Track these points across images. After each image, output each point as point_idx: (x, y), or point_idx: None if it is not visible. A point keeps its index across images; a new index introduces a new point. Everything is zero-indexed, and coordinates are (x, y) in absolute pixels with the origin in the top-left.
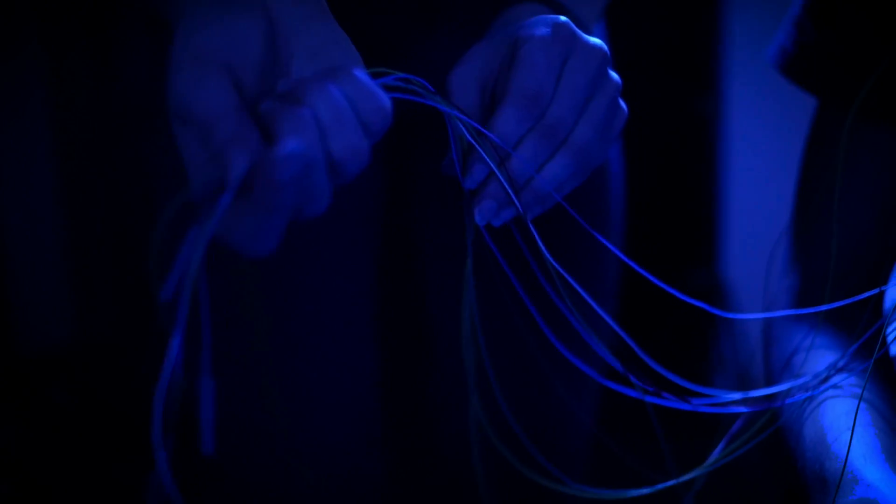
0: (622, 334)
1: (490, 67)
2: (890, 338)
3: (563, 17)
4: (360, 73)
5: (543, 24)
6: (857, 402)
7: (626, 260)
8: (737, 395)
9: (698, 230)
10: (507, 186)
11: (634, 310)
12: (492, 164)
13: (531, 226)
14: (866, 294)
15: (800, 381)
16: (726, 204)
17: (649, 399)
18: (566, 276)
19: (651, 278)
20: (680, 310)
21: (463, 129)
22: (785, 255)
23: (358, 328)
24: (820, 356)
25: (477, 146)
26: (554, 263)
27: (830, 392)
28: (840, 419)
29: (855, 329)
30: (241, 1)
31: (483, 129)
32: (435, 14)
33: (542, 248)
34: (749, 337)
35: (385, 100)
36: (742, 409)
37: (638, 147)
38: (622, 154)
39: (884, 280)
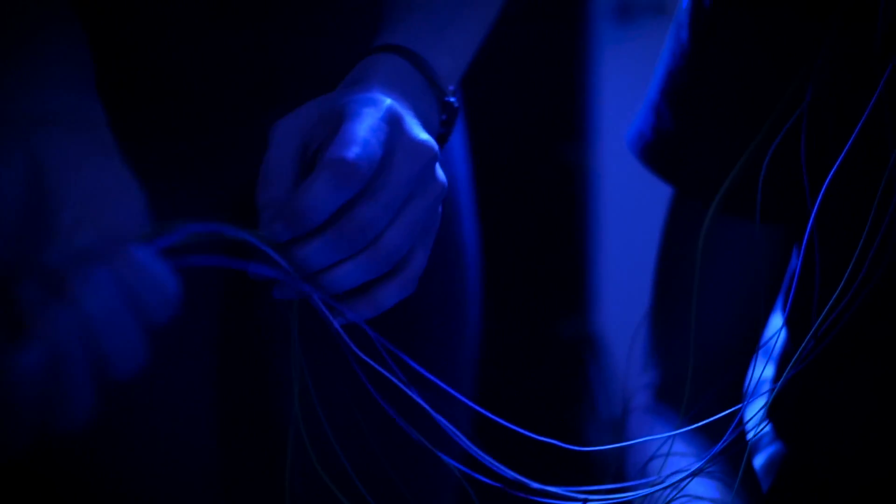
0: (473, 449)
1: (317, 128)
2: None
3: (395, 108)
4: (140, 251)
5: (374, 104)
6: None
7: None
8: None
9: (569, 280)
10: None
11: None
12: (290, 272)
13: (340, 331)
14: (725, 412)
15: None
16: (597, 253)
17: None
18: (418, 368)
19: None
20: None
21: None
22: (644, 347)
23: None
24: (678, 462)
25: (279, 259)
26: (401, 355)
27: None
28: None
29: (716, 434)
30: None
31: (280, 260)
32: (282, 72)
33: (380, 342)
34: (621, 382)
35: (169, 282)
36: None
37: (507, 194)
38: (477, 214)
39: (743, 377)
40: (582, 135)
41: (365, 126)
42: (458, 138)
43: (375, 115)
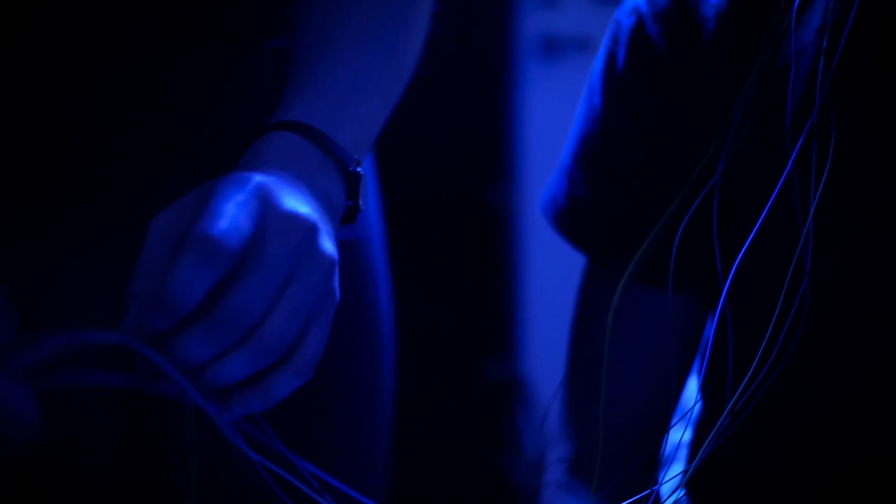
0: None
1: (193, 215)
2: None
3: (265, 183)
4: None
5: (243, 181)
6: None
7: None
8: None
9: (495, 322)
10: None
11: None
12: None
13: (228, 430)
14: (638, 496)
15: None
16: (523, 294)
17: None
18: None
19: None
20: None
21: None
22: (558, 418)
23: None
24: None
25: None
26: (295, 460)
27: None
28: None
29: None
30: None
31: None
32: (176, 152)
33: (271, 441)
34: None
35: (27, 410)
36: None
37: (432, 235)
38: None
39: (657, 452)
40: (508, 175)
41: (231, 202)
42: (370, 195)
43: (243, 190)
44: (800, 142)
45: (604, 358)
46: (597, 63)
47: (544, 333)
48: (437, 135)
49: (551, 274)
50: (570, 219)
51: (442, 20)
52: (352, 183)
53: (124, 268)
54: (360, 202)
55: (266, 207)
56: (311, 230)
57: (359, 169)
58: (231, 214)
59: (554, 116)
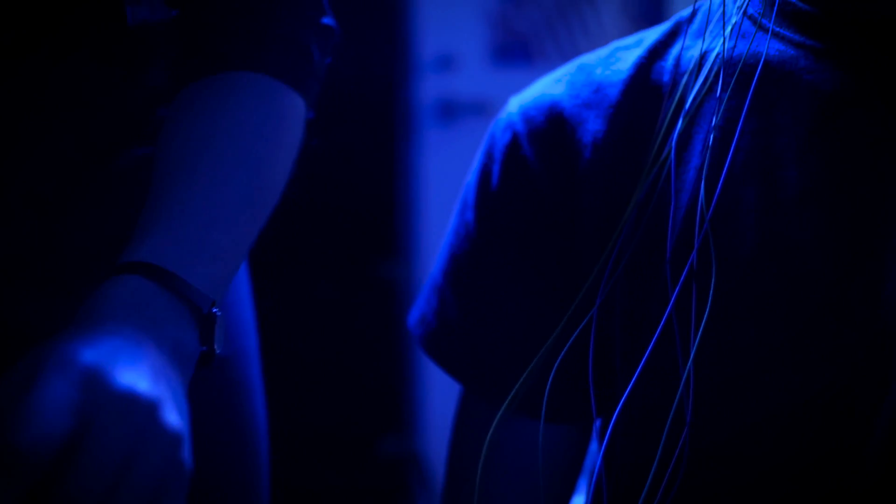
0: None
1: (10, 403)
2: None
3: (94, 362)
4: None
5: (66, 363)
6: None
7: None
8: None
9: (392, 398)
10: None
11: None
12: None
13: None
14: None
15: None
16: (419, 369)
17: None
18: None
19: None
20: None
21: None
22: None
23: None
24: None
25: None
26: None
27: None
28: None
29: None
30: None
31: None
32: (36, 262)
33: None
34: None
35: None
36: None
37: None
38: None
39: None
40: (403, 247)
41: (50, 396)
42: (244, 298)
43: (66, 377)
44: (679, 283)
45: (476, 487)
46: (471, 177)
47: (441, 410)
48: (329, 206)
49: None
50: (439, 342)
51: (336, 84)
52: (206, 327)
53: None
54: (217, 346)
55: (96, 392)
56: (150, 408)
57: (214, 309)
58: (48, 414)
59: (451, 181)
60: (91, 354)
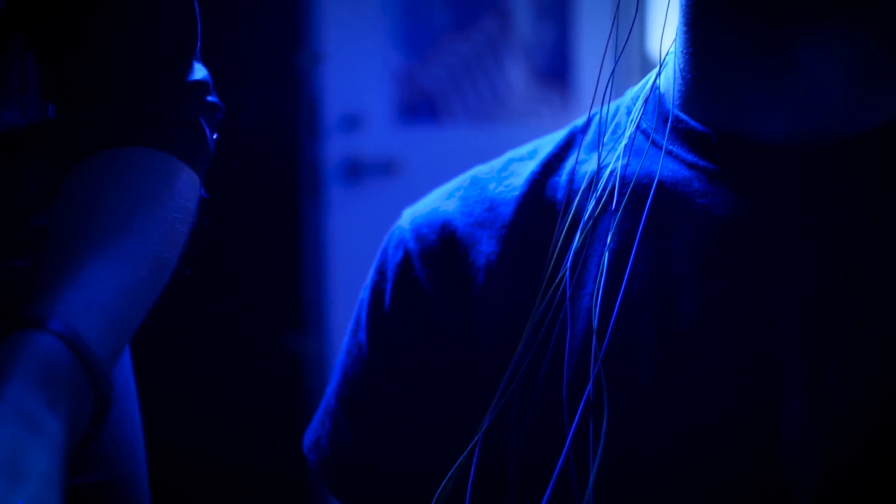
0: None
1: None
2: None
3: None
4: None
5: None
6: None
7: None
8: None
9: (295, 472)
10: None
11: None
12: None
13: None
14: None
15: None
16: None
17: None
18: None
19: None
20: None
21: None
22: None
23: None
24: None
25: None
26: None
27: None
28: None
29: None
30: None
31: None
32: None
33: None
34: None
35: None
36: None
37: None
38: None
39: None
40: (310, 319)
41: None
42: (132, 413)
43: None
44: (576, 418)
45: None
46: (363, 293)
47: None
48: (234, 274)
49: None
50: (334, 469)
51: (240, 146)
52: (102, 407)
53: None
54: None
55: None
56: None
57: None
58: None
59: (357, 240)
60: None
